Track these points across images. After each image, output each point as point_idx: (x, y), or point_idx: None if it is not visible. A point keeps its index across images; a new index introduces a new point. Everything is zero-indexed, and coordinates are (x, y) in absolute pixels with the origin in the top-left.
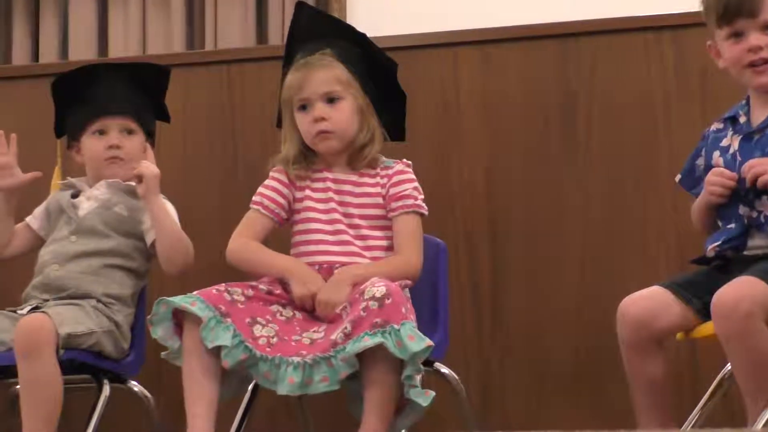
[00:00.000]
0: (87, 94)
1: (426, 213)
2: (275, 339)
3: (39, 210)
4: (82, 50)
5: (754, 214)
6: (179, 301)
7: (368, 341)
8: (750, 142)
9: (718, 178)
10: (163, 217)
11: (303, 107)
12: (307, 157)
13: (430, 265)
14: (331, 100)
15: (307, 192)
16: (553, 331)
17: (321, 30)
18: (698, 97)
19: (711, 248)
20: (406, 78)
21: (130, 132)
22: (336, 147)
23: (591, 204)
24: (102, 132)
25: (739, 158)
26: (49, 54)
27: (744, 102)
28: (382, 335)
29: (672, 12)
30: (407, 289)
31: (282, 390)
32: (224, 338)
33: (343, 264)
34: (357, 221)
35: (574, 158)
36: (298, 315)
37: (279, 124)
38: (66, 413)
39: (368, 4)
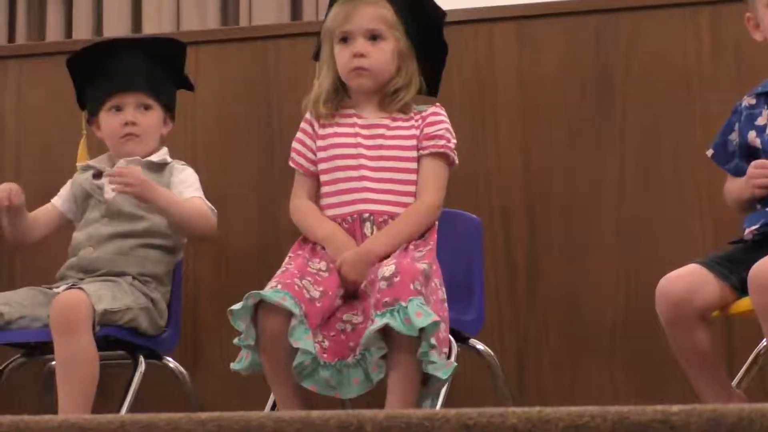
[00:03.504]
0: (103, 70)
1: (455, 159)
2: (326, 342)
3: (65, 191)
4: (116, 27)
5: None
6: (271, 295)
7: (376, 323)
8: None
9: (761, 171)
10: (167, 208)
11: (344, 39)
12: (339, 94)
13: (466, 241)
14: (373, 37)
15: (334, 137)
16: (590, 307)
17: None
18: (734, 74)
19: (749, 231)
20: None
21: (146, 108)
22: (369, 86)
23: (627, 180)
24: (118, 108)
25: None
26: (83, 31)
27: None
28: (390, 314)
29: None
30: (426, 263)
31: (350, 394)
32: (306, 342)
33: (371, 212)
34: (390, 164)
35: (610, 134)
36: (340, 292)
37: (316, 57)
38: (102, 389)
39: None
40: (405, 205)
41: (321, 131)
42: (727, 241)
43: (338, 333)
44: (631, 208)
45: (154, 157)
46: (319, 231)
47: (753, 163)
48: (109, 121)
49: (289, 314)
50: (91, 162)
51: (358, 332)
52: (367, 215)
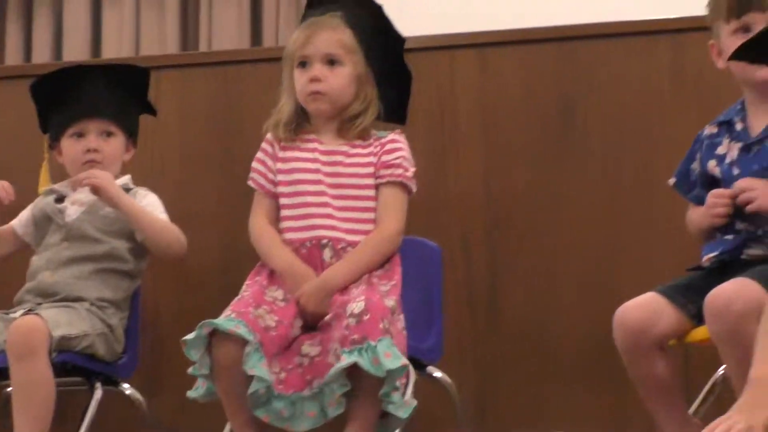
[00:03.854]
0: (66, 97)
1: (413, 188)
2: (283, 374)
3: (25, 216)
4: (76, 51)
5: (752, 228)
6: (225, 324)
7: (344, 361)
8: (748, 153)
9: (719, 200)
10: (138, 216)
11: (302, 64)
12: (300, 119)
13: (426, 268)
14: (331, 62)
15: (295, 162)
16: (550, 334)
17: None
18: (695, 102)
19: (707, 258)
20: None
21: (108, 134)
22: (326, 110)
23: (589, 208)
24: (80, 135)
25: (737, 170)
26: (42, 54)
27: (739, 107)
28: (359, 353)
29: (669, 17)
30: (394, 300)
31: (304, 427)
32: (261, 370)
33: (330, 239)
34: (348, 192)
35: (571, 162)
36: (298, 323)
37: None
38: (58, 416)
39: None
40: (364, 232)
41: (281, 153)
42: (687, 268)
43: (296, 366)
44: (592, 236)
45: (117, 182)
46: (277, 261)
47: (711, 192)
48: (71, 147)
49: (243, 342)
50: (55, 186)
51: (315, 365)
52: (326, 241)
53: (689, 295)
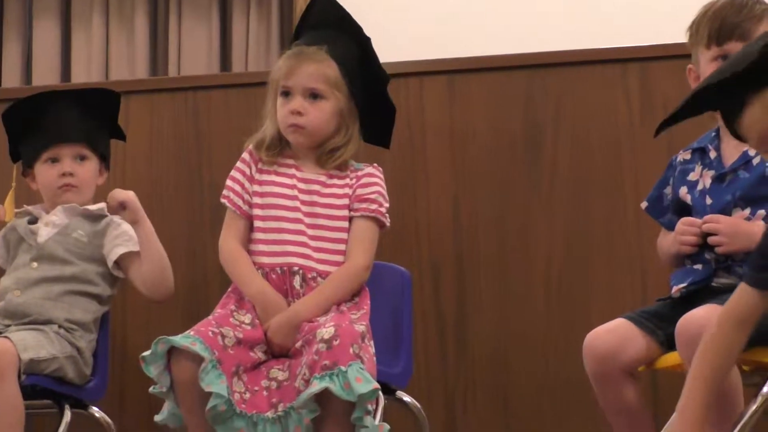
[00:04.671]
0: (39, 123)
1: (387, 223)
2: (247, 394)
3: None
4: (46, 75)
5: (722, 258)
6: (181, 340)
7: (315, 386)
8: (721, 183)
9: (688, 228)
10: (154, 242)
11: (285, 94)
12: (282, 143)
13: (395, 294)
14: (313, 96)
15: (272, 185)
16: (518, 360)
17: (330, 19)
18: (665, 133)
19: (676, 289)
20: None
21: (83, 158)
22: (305, 143)
23: (557, 234)
24: (55, 160)
25: (709, 200)
26: (11, 78)
27: (714, 134)
28: (330, 378)
29: (638, 45)
30: (363, 325)
31: None
32: (219, 386)
33: (302, 267)
34: (322, 222)
35: (539, 189)
36: (263, 348)
37: None
38: None
39: None
40: (335, 263)
41: (258, 176)
42: (655, 296)
43: (262, 388)
44: (561, 263)
45: (92, 208)
46: (250, 288)
47: (682, 219)
48: (46, 172)
49: (201, 359)
50: (29, 208)
51: (283, 389)
52: (297, 269)
53: (658, 322)
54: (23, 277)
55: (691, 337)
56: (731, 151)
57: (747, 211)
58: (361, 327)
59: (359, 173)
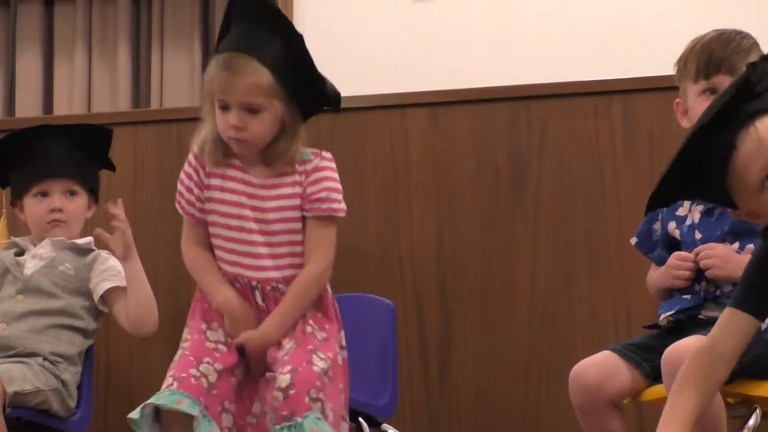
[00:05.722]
0: (29, 156)
1: (343, 213)
2: (235, 430)
3: None
4: (28, 106)
5: (711, 288)
6: (167, 401)
7: None
8: (710, 217)
9: (681, 263)
10: (141, 280)
11: (223, 107)
12: (225, 144)
13: (379, 326)
14: (251, 110)
15: (221, 192)
16: (502, 391)
17: (258, 12)
18: (647, 162)
19: (664, 317)
20: (356, 139)
21: (72, 193)
22: (250, 152)
23: (540, 265)
24: (44, 194)
25: (698, 234)
26: None
27: None
28: (288, 430)
29: (621, 77)
30: (326, 359)
31: None
32: None
33: (258, 281)
34: (275, 227)
35: (523, 220)
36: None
37: None
38: None
39: (317, 65)
40: (296, 266)
41: (206, 180)
42: (639, 327)
43: (246, 424)
44: (544, 294)
45: (80, 241)
46: (214, 296)
47: (674, 254)
48: (35, 206)
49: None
50: (17, 239)
51: (260, 426)
52: (255, 283)
53: (643, 354)
54: (9, 309)
55: (677, 368)
56: None
57: (736, 245)
58: (321, 364)
59: (308, 168)
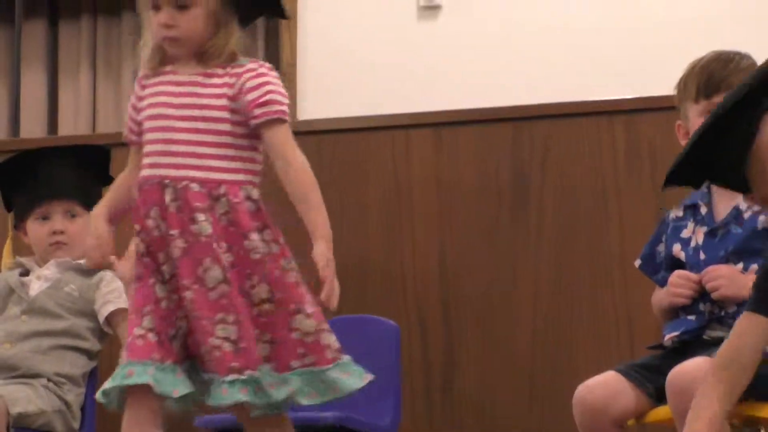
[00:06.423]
0: (30, 179)
1: (287, 119)
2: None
3: None
4: (33, 126)
5: (716, 310)
6: (120, 382)
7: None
8: (714, 238)
9: (682, 281)
10: None
11: (155, 7)
12: (162, 52)
13: (383, 346)
14: (180, 6)
15: (150, 98)
16: (504, 409)
17: None
18: (649, 181)
19: (668, 338)
20: (359, 159)
21: (74, 215)
22: (183, 52)
23: (542, 284)
24: (45, 217)
25: (703, 255)
26: None
27: (705, 190)
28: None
29: (624, 97)
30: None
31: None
32: (182, 385)
33: (171, 178)
34: (200, 125)
35: (526, 239)
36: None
37: None
38: None
39: (320, 86)
40: (216, 169)
41: (142, 94)
42: (642, 347)
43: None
44: (547, 312)
45: (83, 263)
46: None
47: (675, 272)
48: (36, 230)
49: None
50: (22, 260)
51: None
52: (167, 182)
53: (648, 374)
54: (13, 330)
55: (682, 389)
56: (722, 205)
57: (740, 265)
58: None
59: (240, 70)
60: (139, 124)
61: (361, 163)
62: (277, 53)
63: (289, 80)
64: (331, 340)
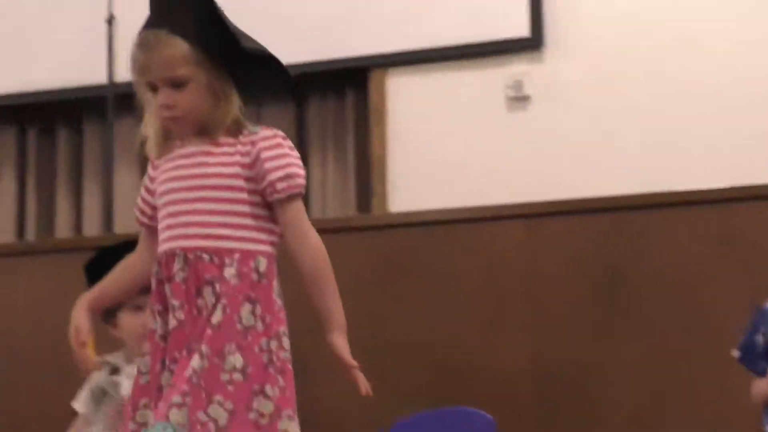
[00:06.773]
0: None
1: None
2: None
3: (84, 395)
4: (126, 223)
5: None
6: None
7: None
8: None
9: None
10: None
11: (152, 88)
12: (167, 132)
13: None
14: (176, 84)
15: (161, 177)
16: None
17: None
18: (744, 272)
19: None
20: (450, 251)
21: None
22: (189, 130)
23: (638, 379)
24: (139, 308)
25: None
26: (92, 227)
27: None
28: None
29: (718, 186)
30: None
31: None
32: None
33: (183, 249)
34: (210, 194)
35: (619, 332)
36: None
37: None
38: None
39: (410, 178)
40: (226, 238)
41: (155, 175)
42: None
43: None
44: (642, 409)
45: None
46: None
47: None
48: (130, 321)
49: None
50: (108, 358)
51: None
52: (178, 251)
53: None
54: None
55: None
56: None
57: None
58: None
59: (255, 138)
60: (152, 206)
61: (451, 256)
62: (368, 146)
63: (380, 173)
64: (290, 427)
